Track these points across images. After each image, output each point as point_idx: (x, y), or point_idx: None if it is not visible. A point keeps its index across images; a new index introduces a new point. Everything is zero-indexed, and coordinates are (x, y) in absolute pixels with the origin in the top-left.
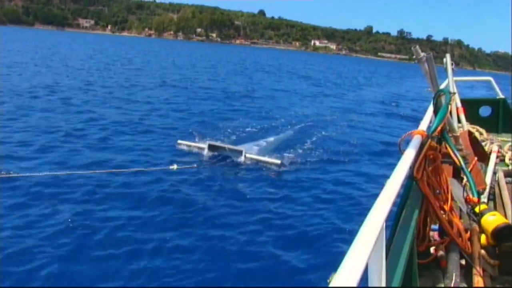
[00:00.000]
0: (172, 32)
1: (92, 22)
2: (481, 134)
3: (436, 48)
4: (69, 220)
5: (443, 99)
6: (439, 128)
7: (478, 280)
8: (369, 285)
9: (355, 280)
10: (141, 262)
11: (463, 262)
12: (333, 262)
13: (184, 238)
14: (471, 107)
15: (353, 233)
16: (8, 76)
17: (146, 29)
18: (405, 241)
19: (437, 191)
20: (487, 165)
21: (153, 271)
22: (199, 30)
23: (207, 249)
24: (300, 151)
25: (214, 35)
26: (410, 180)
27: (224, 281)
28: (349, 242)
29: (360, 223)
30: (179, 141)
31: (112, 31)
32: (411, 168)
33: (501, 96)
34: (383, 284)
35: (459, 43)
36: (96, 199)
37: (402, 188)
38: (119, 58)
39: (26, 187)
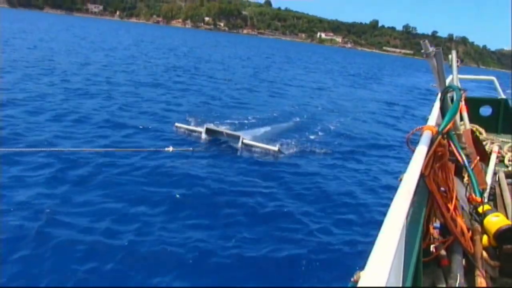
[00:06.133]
0: (180, 20)
1: (101, 7)
2: (480, 133)
3: (441, 44)
4: (62, 196)
5: (449, 96)
6: (449, 125)
7: (481, 281)
8: (386, 284)
9: (383, 280)
10: (124, 241)
11: (463, 262)
12: (328, 253)
13: (173, 220)
14: (471, 106)
15: (348, 221)
16: None
17: (154, 16)
18: (414, 239)
19: (443, 188)
20: (487, 165)
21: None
22: (207, 18)
23: (196, 230)
24: (300, 140)
25: (222, 24)
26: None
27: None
28: (345, 231)
29: (355, 212)
30: (177, 124)
31: (121, 17)
32: None
33: (502, 96)
34: (400, 284)
35: (464, 40)
36: (91, 176)
37: None
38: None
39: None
